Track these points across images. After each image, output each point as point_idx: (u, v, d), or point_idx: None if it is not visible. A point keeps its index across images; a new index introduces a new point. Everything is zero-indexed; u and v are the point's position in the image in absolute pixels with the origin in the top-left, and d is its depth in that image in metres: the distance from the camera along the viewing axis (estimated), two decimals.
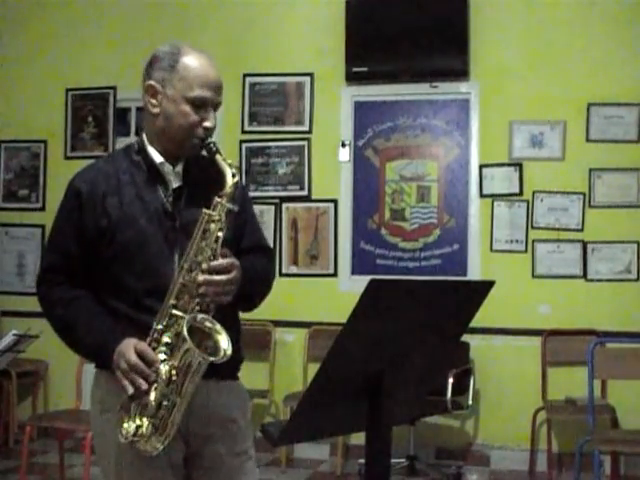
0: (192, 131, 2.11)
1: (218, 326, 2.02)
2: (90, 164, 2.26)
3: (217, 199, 2.05)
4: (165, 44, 2.19)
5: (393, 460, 4.77)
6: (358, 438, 4.99)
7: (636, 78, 5.29)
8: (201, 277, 2.01)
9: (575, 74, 5.37)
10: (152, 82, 2.14)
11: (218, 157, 2.10)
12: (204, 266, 2.02)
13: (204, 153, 2.14)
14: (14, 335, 4.01)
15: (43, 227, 5.98)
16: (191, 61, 2.12)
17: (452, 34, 5.41)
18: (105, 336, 2.06)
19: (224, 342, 2.00)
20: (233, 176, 2.07)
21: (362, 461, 4.90)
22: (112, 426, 2.05)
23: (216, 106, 2.15)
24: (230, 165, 2.09)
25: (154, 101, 2.15)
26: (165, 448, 2.03)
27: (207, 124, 2.12)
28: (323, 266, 5.70)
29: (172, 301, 2.03)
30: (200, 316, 2.01)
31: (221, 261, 2.04)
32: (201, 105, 2.11)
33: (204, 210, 2.05)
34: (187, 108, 2.10)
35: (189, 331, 1.96)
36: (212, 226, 2.04)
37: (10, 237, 6.16)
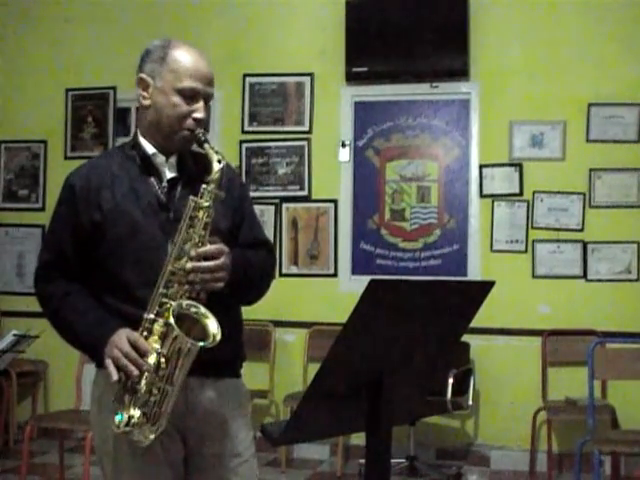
0: (182, 122, 2.12)
1: (204, 310, 2.01)
2: (85, 161, 2.28)
3: (204, 186, 2.05)
4: (156, 39, 2.20)
5: (393, 460, 4.78)
6: (358, 438, 4.99)
7: (636, 78, 5.29)
8: (189, 264, 2.01)
9: (575, 74, 5.36)
10: (143, 75, 2.16)
11: (206, 146, 2.10)
12: (192, 253, 2.02)
13: (194, 147, 2.14)
14: (14, 335, 4.02)
15: (43, 227, 5.97)
16: (180, 53, 2.13)
17: (452, 34, 5.41)
18: (98, 329, 2.05)
19: (213, 326, 1.99)
20: (219, 162, 2.07)
21: (362, 461, 4.90)
22: (110, 424, 2.05)
23: (207, 98, 2.15)
24: (217, 152, 2.09)
25: (145, 94, 2.16)
26: (161, 444, 2.02)
27: (197, 115, 2.12)
28: (323, 266, 5.70)
29: (162, 290, 2.02)
30: (186, 302, 2.01)
31: (209, 247, 2.04)
32: (191, 96, 2.11)
33: (191, 197, 2.05)
34: (177, 99, 2.11)
35: (178, 318, 1.96)
36: (200, 213, 2.04)
37: (10, 237, 6.16)
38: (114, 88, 5.95)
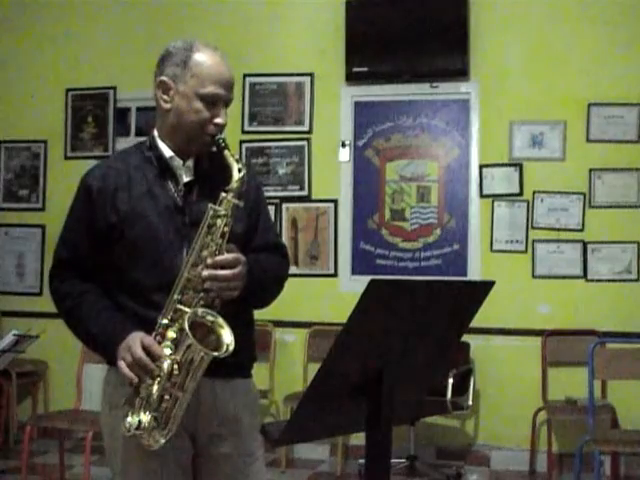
0: (204, 128, 2.12)
1: (220, 320, 2.01)
2: (102, 161, 2.29)
3: (223, 194, 2.06)
4: (177, 39, 2.19)
5: (393, 460, 4.78)
6: (358, 438, 4.99)
7: (636, 78, 5.29)
8: (205, 272, 2.02)
9: (575, 74, 5.36)
10: (164, 78, 2.15)
11: (226, 153, 2.11)
12: (209, 261, 2.02)
13: (213, 149, 2.15)
14: (14, 335, 4.01)
15: (43, 227, 5.98)
16: (204, 58, 2.13)
17: (452, 34, 5.41)
18: (112, 330, 2.06)
19: (227, 336, 2.00)
20: (239, 171, 2.08)
21: (362, 461, 4.90)
22: (120, 423, 2.05)
23: (227, 103, 2.16)
24: (237, 161, 2.10)
25: (166, 97, 2.15)
26: (169, 443, 2.02)
27: (218, 121, 2.13)
28: (323, 266, 5.70)
29: (177, 296, 2.03)
30: (201, 310, 2.01)
31: (226, 256, 2.04)
32: (213, 102, 2.12)
33: (210, 205, 2.06)
34: (199, 105, 2.11)
35: (192, 326, 1.96)
36: (218, 221, 2.05)
37: (10, 237, 6.16)
38: (114, 88, 5.94)
